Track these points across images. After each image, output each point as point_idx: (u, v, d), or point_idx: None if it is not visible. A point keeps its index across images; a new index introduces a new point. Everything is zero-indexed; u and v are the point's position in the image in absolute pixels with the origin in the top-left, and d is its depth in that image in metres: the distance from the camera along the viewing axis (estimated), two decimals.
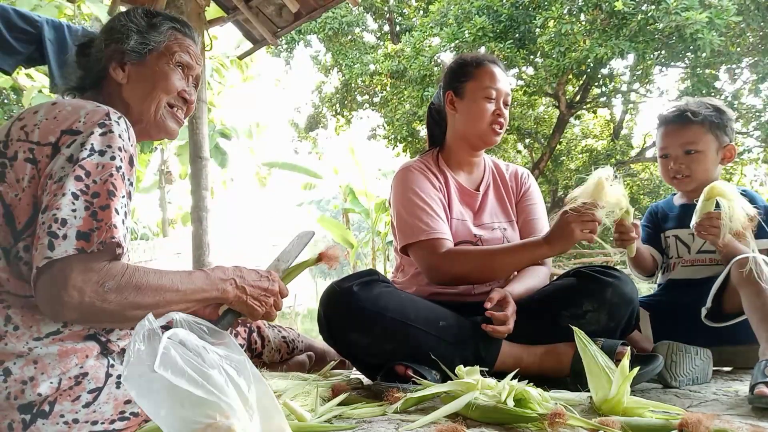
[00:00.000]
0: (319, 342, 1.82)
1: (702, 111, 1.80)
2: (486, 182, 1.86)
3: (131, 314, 0.99)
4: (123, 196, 1.01)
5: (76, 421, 0.97)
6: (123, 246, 0.99)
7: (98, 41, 1.25)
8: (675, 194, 2.00)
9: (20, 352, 0.95)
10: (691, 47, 7.72)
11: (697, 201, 1.72)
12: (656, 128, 1.92)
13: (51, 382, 0.95)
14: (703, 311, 1.59)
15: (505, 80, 1.80)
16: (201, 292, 1.09)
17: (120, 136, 1.04)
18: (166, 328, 0.86)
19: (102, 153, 1.01)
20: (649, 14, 7.61)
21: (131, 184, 1.06)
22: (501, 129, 1.77)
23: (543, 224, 1.83)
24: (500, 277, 1.68)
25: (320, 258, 1.37)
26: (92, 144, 1.00)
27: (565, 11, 8.34)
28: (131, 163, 1.07)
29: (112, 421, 1.01)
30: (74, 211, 0.95)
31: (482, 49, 8.60)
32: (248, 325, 1.66)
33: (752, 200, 1.74)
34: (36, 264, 0.93)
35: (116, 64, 1.22)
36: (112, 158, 1.01)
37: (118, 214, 0.99)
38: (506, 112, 1.79)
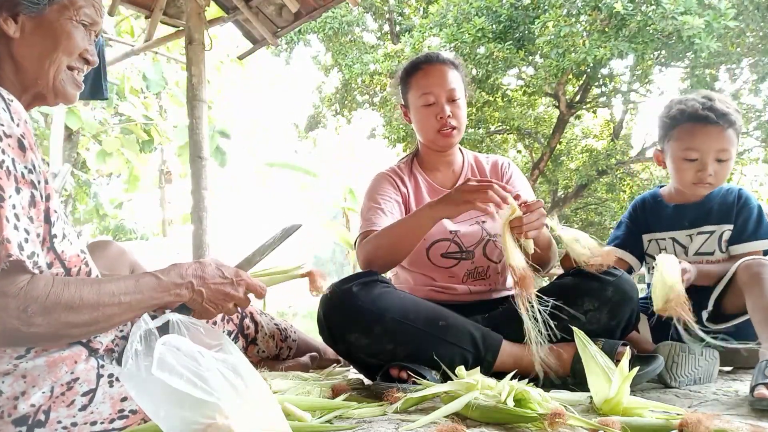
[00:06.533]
0: (311, 338, 1.83)
1: (734, 114, 1.64)
2: (463, 179, 1.85)
3: (66, 333, 0.92)
4: (12, 195, 0.87)
5: (74, 425, 0.96)
6: (22, 259, 0.85)
7: None
8: (662, 186, 1.89)
9: (6, 370, 0.91)
10: (690, 48, 7.71)
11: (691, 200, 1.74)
12: (675, 121, 1.71)
13: (43, 392, 0.93)
14: (704, 314, 1.58)
15: (445, 75, 1.72)
16: (150, 300, 0.99)
17: None
18: (162, 326, 0.86)
19: None
20: (648, 15, 7.61)
21: (30, 171, 0.91)
22: (451, 129, 1.73)
23: None
24: (407, 246, 1.59)
25: (307, 275, 1.37)
26: None
27: (564, 12, 8.34)
28: (22, 146, 0.90)
29: (112, 420, 1.00)
30: None
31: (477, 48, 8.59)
32: (241, 310, 1.61)
33: (746, 200, 1.72)
34: None
35: (7, 14, 1.02)
36: None
37: (8, 221, 0.85)
38: (458, 106, 1.73)
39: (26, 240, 0.88)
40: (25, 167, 0.90)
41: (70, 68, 1.10)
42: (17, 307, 0.85)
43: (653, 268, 1.83)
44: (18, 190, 0.88)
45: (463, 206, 1.43)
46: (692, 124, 1.66)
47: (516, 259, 1.38)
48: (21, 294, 0.85)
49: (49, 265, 0.96)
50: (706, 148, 1.65)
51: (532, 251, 1.44)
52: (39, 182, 0.93)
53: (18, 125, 0.91)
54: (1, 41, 1.03)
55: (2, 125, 0.88)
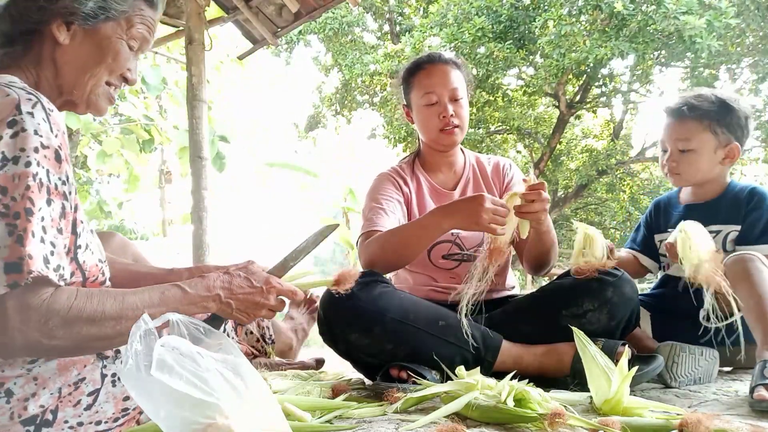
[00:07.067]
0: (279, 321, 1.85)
1: (703, 105, 1.69)
2: (465, 180, 1.85)
3: (88, 345, 0.91)
4: (42, 208, 0.87)
5: (80, 424, 0.97)
6: (45, 274, 0.85)
7: None
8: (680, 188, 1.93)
9: (19, 374, 0.92)
10: (691, 48, 7.71)
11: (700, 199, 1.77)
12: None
13: (51, 393, 0.94)
14: (702, 313, 1.58)
15: (447, 75, 1.74)
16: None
17: (36, 132, 0.88)
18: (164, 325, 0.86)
19: (16, 160, 0.85)
20: (648, 14, 7.61)
21: (64, 182, 0.92)
22: (454, 128, 1.73)
23: None
24: (412, 252, 1.59)
25: (336, 282, 1.35)
26: (3, 152, 0.85)
27: (564, 12, 8.34)
28: (58, 158, 0.91)
29: (116, 419, 1.01)
30: None
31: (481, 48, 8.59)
32: None
33: (758, 201, 1.70)
34: None
35: (62, 21, 1.02)
36: (27, 164, 0.86)
37: (34, 236, 0.85)
38: (461, 105, 1.74)
39: (52, 253, 0.88)
40: (59, 178, 0.91)
41: (108, 84, 1.10)
42: (38, 320, 0.85)
43: (666, 266, 1.85)
44: (49, 202, 0.89)
45: (481, 228, 1.45)
46: (666, 118, 1.80)
47: (506, 233, 1.44)
48: (43, 307, 0.85)
49: (71, 274, 0.97)
50: (668, 139, 1.78)
51: (526, 235, 1.50)
52: (70, 193, 0.94)
53: (56, 136, 0.91)
54: (48, 44, 1.04)
55: (41, 136, 0.89)
